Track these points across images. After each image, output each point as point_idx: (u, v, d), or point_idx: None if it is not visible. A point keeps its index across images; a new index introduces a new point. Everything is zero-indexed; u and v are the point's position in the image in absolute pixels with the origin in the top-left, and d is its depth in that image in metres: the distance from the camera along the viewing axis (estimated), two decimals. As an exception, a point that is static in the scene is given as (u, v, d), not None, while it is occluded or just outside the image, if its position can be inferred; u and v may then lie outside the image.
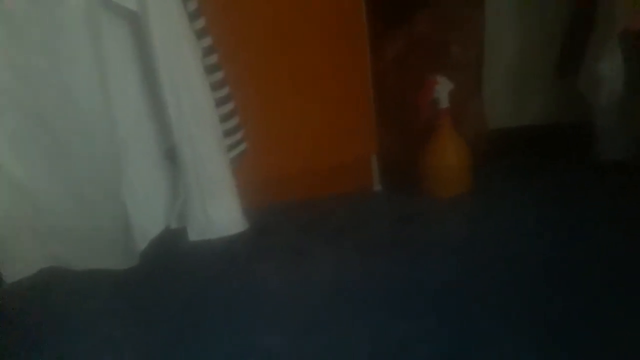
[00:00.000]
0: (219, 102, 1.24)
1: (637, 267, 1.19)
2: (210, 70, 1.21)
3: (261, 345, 1.10)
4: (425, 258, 1.30)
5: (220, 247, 1.32)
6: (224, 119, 1.26)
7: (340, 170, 1.56)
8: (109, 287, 1.31)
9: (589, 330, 1.04)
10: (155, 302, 1.26)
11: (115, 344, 1.15)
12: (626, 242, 1.26)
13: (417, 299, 1.18)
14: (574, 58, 1.53)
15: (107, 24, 1.14)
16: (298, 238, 1.44)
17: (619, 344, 1.01)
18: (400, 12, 1.57)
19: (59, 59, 1.11)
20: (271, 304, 1.21)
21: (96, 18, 1.11)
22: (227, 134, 1.28)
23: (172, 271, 1.35)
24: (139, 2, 1.09)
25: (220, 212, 1.25)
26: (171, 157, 1.25)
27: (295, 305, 1.20)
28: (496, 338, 1.05)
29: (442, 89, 1.47)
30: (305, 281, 1.28)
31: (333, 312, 1.17)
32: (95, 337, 1.17)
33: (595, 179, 1.51)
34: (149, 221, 1.30)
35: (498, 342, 1.04)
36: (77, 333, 1.19)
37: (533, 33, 1.63)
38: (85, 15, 1.09)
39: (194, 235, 1.29)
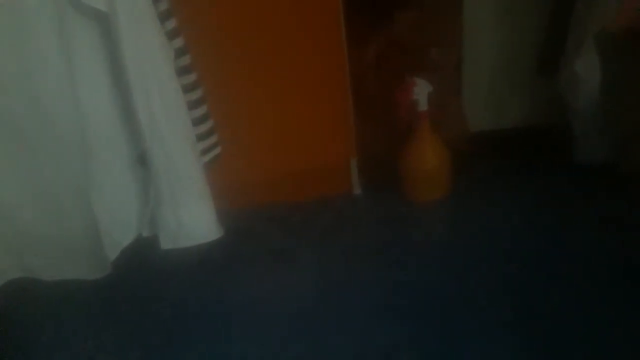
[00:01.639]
0: (192, 105, 1.21)
1: (616, 266, 1.19)
2: (182, 72, 1.18)
3: (242, 354, 1.08)
4: (407, 261, 1.29)
5: (198, 252, 1.29)
6: (197, 122, 1.23)
7: (320, 174, 1.55)
8: (81, 298, 1.27)
9: (574, 329, 1.04)
10: (130, 313, 1.23)
11: (89, 357, 1.12)
12: (605, 243, 1.27)
13: (399, 303, 1.17)
14: (554, 59, 1.53)
15: (76, 25, 1.10)
16: (278, 243, 1.42)
17: (603, 341, 1.01)
18: (379, 15, 1.56)
19: (27, 63, 1.07)
20: (251, 311, 1.19)
21: (64, 20, 1.07)
22: (201, 137, 1.25)
23: (148, 280, 1.32)
24: (108, 2, 1.06)
25: (193, 219, 1.22)
26: (142, 162, 1.22)
27: (275, 311, 1.18)
28: (481, 340, 1.05)
29: (421, 90, 1.46)
30: (287, 287, 1.26)
31: (314, 319, 1.15)
32: (68, 349, 1.15)
33: (575, 181, 1.51)
34: (120, 229, 1.27)
35: (483, 344, 1.04)
36: (50, 345, 1.16)
37: (512, 35, 1.63)
38: (53, 17, 1.05)
39: (166, 244, 1.25)
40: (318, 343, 1.09)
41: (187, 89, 1.19)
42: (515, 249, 1.29)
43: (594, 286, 1.15)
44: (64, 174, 1.18)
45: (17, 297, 1.28)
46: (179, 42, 1.17)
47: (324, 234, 1.43)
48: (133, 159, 1.25)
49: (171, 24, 1.15)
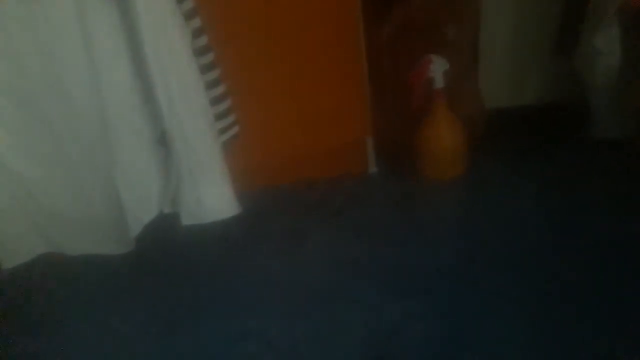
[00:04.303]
0: (210, 85, 1.23)
1: (633, 244, 1.18)
2: (200, 52, 1.20)
3: (258, 328, 1.11)
4: (422, 239, 1.30)
5: (217, 230, 1.32)
6: (215, 102, 1.25)
7: (336, 153, 1.56)
8: (106, 273, 1.31)
9: (586, 307, 1.05)
10: (152, 287, 1.27)
11: (113, 329, 1.16)
12: (622, 220, 1.26)
13: (413, 280, 1.18)
14: (571, 35, 1.50)
15: (94, 8, 1.12)
16: (295, 221, 1.44)
17: (616, 322, 1.01)
18: (395, -7, 1.54)
19: (48, 46, 1.10)
20: (268, 287, 1.22)
21: (83, 2, 1.09)
22: (219, 117, 1.27)
23: (169, 256, 1.36)
24: (125, -16, 1.08)
25: (211, 196, 1.25)
26: (163, 141, 1.25)
27: (292, 288, 1.21)
28: (492, 319, 1.06)
29: (437, 68, 1.45)
30: (302, 264, 1.29)
31: (330, 295, 1.18)
32: (93, 323, 1.19)
33: (592, 157, 1.50)
34: (142, 206, 1.31)
35: (494, 323, 1.05)
36: (75, 319, 1.20)
37: (529, 12, 1.61)
38: (72, 1, 1.08)
39: (186, 220, 1.29)
40: (331, 317, 1.11)
41: (204, 69, 1.21)
42: (530, 226, 1.29)
43: (608, 263, 1.15)
44: (88, 152, 1.21)
45: (44, 272, 1.33)
46: (196, 22, 1.18)
47: (340, 213, 1.45)
48: (154, 138, 1.27)
49: (188, 4, 1.16)
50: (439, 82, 1.46)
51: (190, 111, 1.18)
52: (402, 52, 1.55)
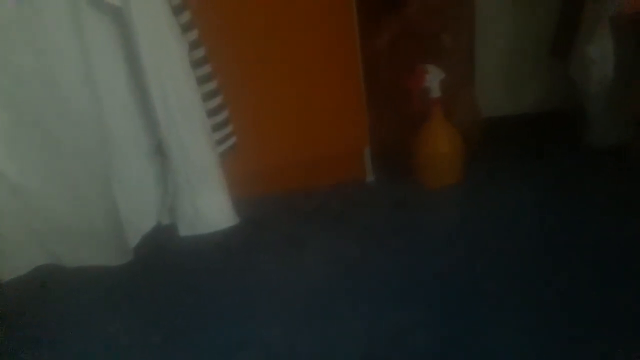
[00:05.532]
0: (207, 96, 1.23)
1: (631, 250, 1.19)
2: (197, 64, 1.20)
3: (258, 337, 1.11)
4: (420, 247, 1.31)
5: (216, 240, 1.32)
6: (212, 113, 1.26)
7: (334, 161, 1.56)
8: (105, 284, 1.31)
9: (584, 314, 1.05)
10: (152, 297, 1.27)
11: (113, 340, 1.16)
12: (619, 226, 1.27)
13: (412, 287, 1.19)
14: (566, 42, 1.52)
15: (92, 20, 1.13)
16: (293, 229, 1.44)
17: (616, 323, 1.02)
18: (390, 2, 1.56)
19: (46, 57, 1.11)
20: (268, 296, 1.23)
21: (80, 15, 1.10)
22: (216, 128, 1.27)
23: (168, 265, 1.36)
24: (122, -4, 1.09)
25: (209, 207, 1.25)
26: (161, 152, 1.25)
27: (291, 296, 1.21)
28: (491, 324, 1.06)
29: (433, 78, 1.46)
30: (302, 272, 1.29)
31: (329, 303, 1.18)
32: (92, 334, 1.19)
33: (588, 165, 1.51)
34: (140, 217, 1.31)
35: (493, 328, 1.05)
36: (75, 330, 1.20)
37: (524, 20, 1.62)
38: (69, 12, 1.09)
39: (184, 230, 1.29)
40: (331, 325, 1.12)
41: (201, 81, 1.21)
42: (527, 233, 1.30)
43: (604, 270, 1.15)
44: (86, 163, 1.21)
45: (43, 283, 1.33)
46: (193, 34, 1.19)
47: (338, 221, 1.45)
48: (152, 149, 1.28)
49: (185, 17, 1.17)
50: (435, 92, 1.47)
51: (187, 122, 1.18)
52: (399, 61, 1.57)
